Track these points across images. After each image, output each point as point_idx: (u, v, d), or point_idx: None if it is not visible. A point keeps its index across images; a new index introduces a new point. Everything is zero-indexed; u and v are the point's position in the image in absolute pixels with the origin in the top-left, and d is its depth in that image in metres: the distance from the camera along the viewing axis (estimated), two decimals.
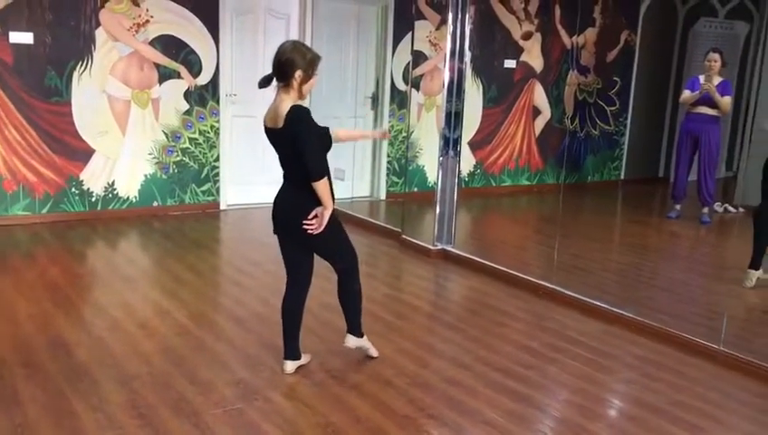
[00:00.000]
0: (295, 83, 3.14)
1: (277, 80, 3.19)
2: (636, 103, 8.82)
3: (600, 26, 8.52)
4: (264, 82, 3.24)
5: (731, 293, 4.78)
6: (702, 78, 6.57)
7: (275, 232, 3.40)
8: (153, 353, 3.64)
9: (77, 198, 6.32)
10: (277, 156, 3.33)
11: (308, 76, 3.16)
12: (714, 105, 6.53)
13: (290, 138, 3.14)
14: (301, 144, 3.10)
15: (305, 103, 3.28)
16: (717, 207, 6.94)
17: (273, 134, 3.23)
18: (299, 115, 3.12)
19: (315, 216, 3.21)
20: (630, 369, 3.76)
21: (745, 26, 8.13)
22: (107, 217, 6.41)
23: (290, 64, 3.12)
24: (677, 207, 6.98)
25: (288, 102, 3.15)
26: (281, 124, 3.14)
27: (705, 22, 8.34)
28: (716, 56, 6.50)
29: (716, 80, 6.49)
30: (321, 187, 3.15)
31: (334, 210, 3.26)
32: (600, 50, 8.60)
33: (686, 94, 6.72)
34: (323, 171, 3.15)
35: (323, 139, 3.29)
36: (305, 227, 3.20)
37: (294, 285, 3.46)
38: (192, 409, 3.09)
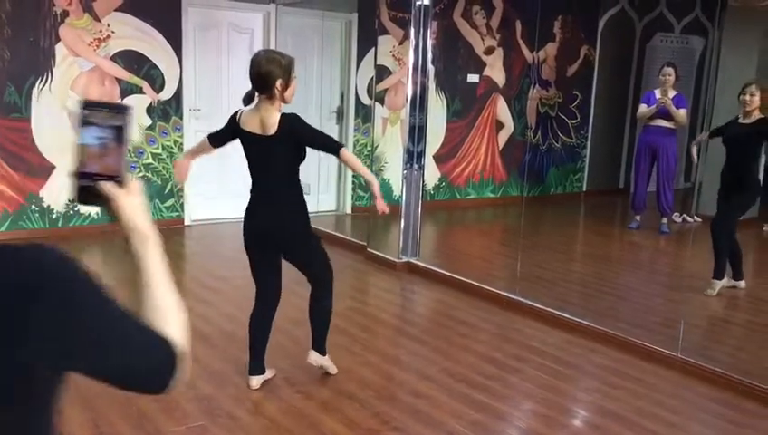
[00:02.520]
0: (278, 92, 3.18)
1: (259, 93, 3.22)
2: (596, 116, 9.01)
3: (560, 41, 8.69)
4: (248, 100, 3.27)
5: (689, 301, 4.89)
6: (657, 92, 6.74)
7: (255, 246, 3.38)
8: None
9: (37, 215, 6.22)
10: (253, 165, 3.33)
11: (288, 83, 3.20)
12: (670, 118, 6.70)
13: (288, 142, 3.21)
14: (311, 136, 3.30)
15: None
16: (676, 217, 7.10)
17: (259, 140, 3.24)
18: (295, 119, 3.25)
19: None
20: (592, 378, 3.82)
21: (701, 41, 8.37)
22: (68, 235, 6.32)
23: (268, 76, 3.16)
24: (638, 217, 7.12)
25: (274, 112, 3.22)
26: (272, 131, 3.19)
27: (662, 37, 8.56)
28: (671, 70, 6.68)
29: (671, 93, 6.66)
30: (348, 154, 3.41)
31: (314, 231, 3.45)
32: (561, 64, 8.77)
33: (643, 108, 6.89)
34: (340, 142, 3.45)
35: (303, 151, 3.34)
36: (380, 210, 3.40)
37: (265, 301, 3.46)
38: (154, 426, 3.05)
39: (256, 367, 3.47)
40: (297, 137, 3.24)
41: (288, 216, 3.31)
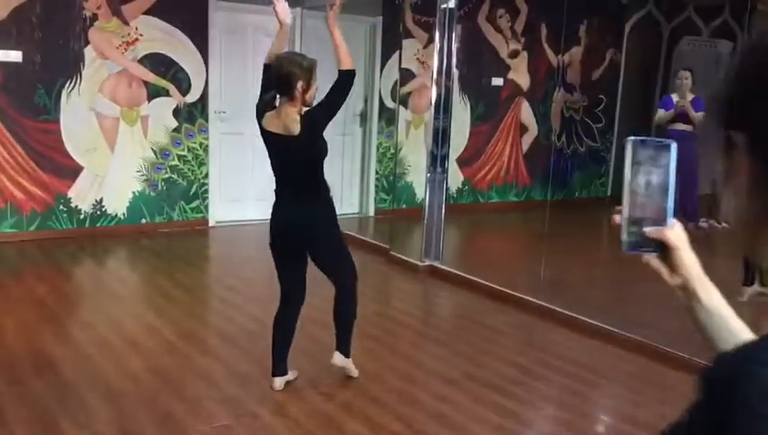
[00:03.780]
0: (298, 94, 3.19)
1: (280, 95, 3.23)
2: (621, 120, 8.92)
3: (586, 45, 8.62)
4: (271, 101, 3.28)
5: None
6: (675, 96, 6.70)
7: (281, 245, 3.40)
8: (141, 371, 3.64)
9: (65, 215, 6.31)
10: (277, 166, 3.34)
11: (309, 85, 3.22)
12: (689, 121, 6.65)
13: (311, 139, 3.21)
14: (327, 104, 3.24)
15: None
16: (703, 222, 7.01)
17: (284, 141, 3.24)
18: (312, 109, 3.23)
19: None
20: (617, 384, 3.78)
21: (728, 45, 8.26)
22: (95, 235, 6.40)
23: (290, 77, 3.17)
24: None
25: (295, 114, 3.22)
26: (296, 132, 3.19)
27: (689, 40, 8.47)
28: (687, 74, 6.65)
29: (689, 97, 6.62)
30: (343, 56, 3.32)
31: (341, 232, 3.46)
32: (586, 68, 8.70)
33: (661, 113, 6.84)
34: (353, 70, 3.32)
35: (324, 146, 3.35)
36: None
37: (290, 302, 3.48)
38: (179, 426, 3.08)
39: (280, 368, 3.49)
40: (320, 117, 3.22)
41: (316, 213, 3.34)
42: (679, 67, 8.02)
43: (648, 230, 0.99)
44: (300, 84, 3.18)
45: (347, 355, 3.59)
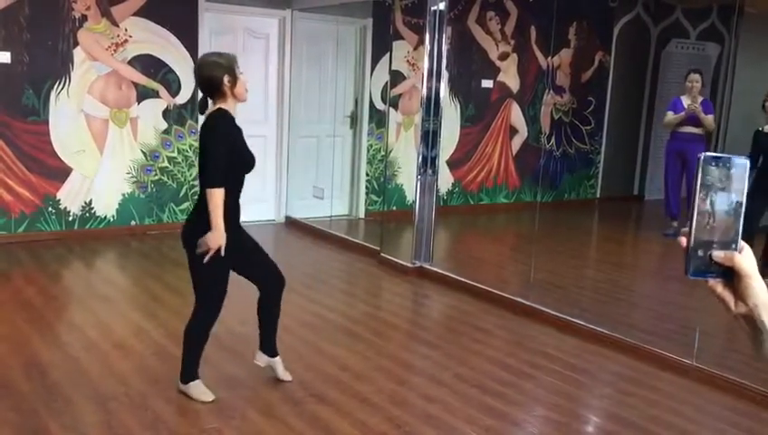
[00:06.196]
0: (227, 89, 3.16)
1: (210, 98, 3.22)
2: (610, 123, 8.97)
3: (575, 47, 8.66)
4: (203, 107, 3.29)
5: (704, 308, 4.85)
6: (684, 99, 6.72)
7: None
8: (129, 373, 3.62)
9: (53, 217, 6.28)
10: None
11: (235, 78, 3.17)
12: (698, 124, 6.67)
13: (203, 138, 3.18)
14: (204, 148, 3.13)
15: (230, 108, 3.20)
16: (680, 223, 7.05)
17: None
18: (211, 121, 3.15)
19: (203, 246, 3.07)
20: (606, 385, 3.80)
21: (716, 48, 8.31)
22: (84, 237, 6.37)
23: (212, 78, 3.15)
24: (675, 224, 7.01)
25: (233, 108, 3.22)
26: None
27: (677, 43, 8.52)
28: (697, 77, 6.67)
29: (698, 99, 6.65)
30: (212, 198, 3.02)
31: (233, 241, 3.14)
32: (575, 70, 8.74)
33: (670, 116, 6.84)
34: (217, 181, 3.03)
35: (242, 155, 3.20)
36: (198, 252, 3.09)
37: (263, 289, 3.48)
38: (169, 429, 3.07)
39: (265, 347, 3.50)
40: (203, 139, 3.15)
41: (192, 229, 3.19)
42: (668, 69, 8.07)
43: (717, 255, 0.92)
44: (226, 79, 3.15)
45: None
